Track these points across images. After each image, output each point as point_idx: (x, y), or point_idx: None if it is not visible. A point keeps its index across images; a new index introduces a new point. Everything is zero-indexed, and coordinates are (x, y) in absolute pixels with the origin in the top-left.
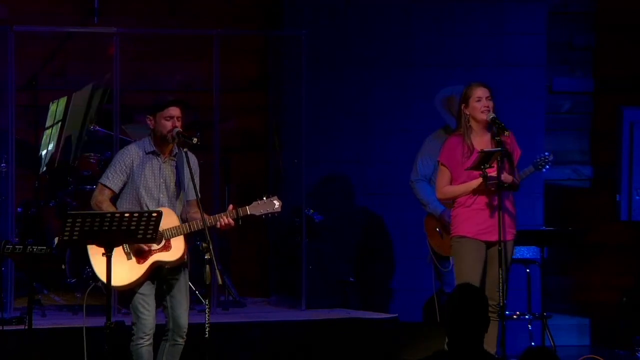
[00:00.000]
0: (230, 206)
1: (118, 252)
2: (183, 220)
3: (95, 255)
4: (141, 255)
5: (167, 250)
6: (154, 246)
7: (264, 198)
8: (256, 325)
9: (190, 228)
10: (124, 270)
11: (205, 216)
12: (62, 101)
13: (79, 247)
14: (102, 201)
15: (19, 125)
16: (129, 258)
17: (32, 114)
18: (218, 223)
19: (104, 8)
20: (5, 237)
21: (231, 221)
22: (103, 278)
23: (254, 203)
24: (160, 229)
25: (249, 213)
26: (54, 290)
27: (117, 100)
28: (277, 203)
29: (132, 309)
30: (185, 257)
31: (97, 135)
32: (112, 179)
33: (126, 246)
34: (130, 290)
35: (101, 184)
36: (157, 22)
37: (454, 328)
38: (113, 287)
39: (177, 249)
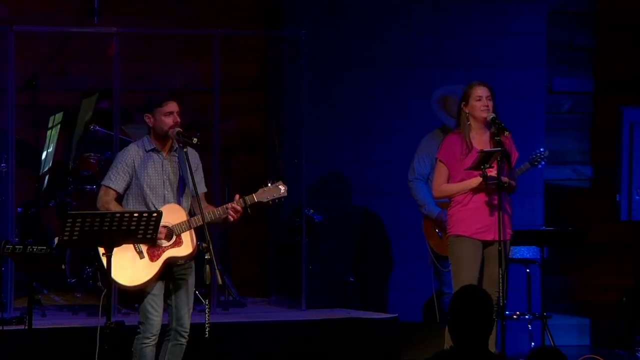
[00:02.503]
0: (237, 196)
1: (130, 252)
2: (191, 214)
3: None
4: (154, 252)
5: (178, 246)
6: (165, 243)
7: (269, 184)
8: (256, 325)
9: (198, 222)
10: (137, 269)
11: (213, 209)
12: (59, 115)
13: (79, 247)
14: (108, 201)
15: (19, 125)
16: (141, 257)
17: (32, 114)
18: (229, 215)
19: (104, 8)
20: (5, 237)
21: (239, 209)
22: (116, 278)
23: (260, 190)
24: (169, 224)
25: (256, 200)
26: (54, 290)
27: (117, 100)
28: (282, 188)
29: (141, 308)
30: (197, 251)
31: (97, 135)
32: (115, 180)
33: (138, 245)
34: (139, 290)
35: (104, 185)
36: (157, 22)
37: (458, 330)
38: (127, 287)
39: (188, 244)
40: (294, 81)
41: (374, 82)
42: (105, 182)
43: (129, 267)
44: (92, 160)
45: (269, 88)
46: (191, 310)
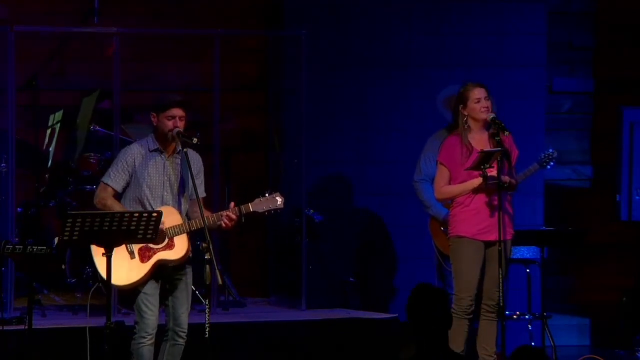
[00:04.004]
0: (232, 204)
1: (121, 252)
2: (188, 218)
3: (99, 256)
4: (145, 253)
5: (170, 249)
6: (157, 245)
7: (266, 194)
8: (256, 325)
9: (193, 226)
10: (127, 269)
11: (208, 214)
12: (59, 114)
13: (79, 247)
14: (105, 197)
15: (19, 125)
16: (132, 257)
17: (32, 114)
18: (222, 222)
19: (104, 8)
20: (5, 237)
21: (234, 217)
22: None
23: (256, 200)
24: (163, 227)
25: (251, 210)
26: (54, 290)
27: (117, 100)
28: (279, 199)
29: (135, 308)
30: (189, 255)
31: (97, 135)
32: (114, 178)
33: (129, 245)
34: (133, 290)
35: (103, 182)
36: (157, 22)
37: (417, 329)
38: (117, 286)
39: (180, 248)
40: (294, 81)
41: (374, 82)
42: (105, 179)
43: (120, 267)
44: (92, 160)
45: (269, 88)
46: (189, 310)
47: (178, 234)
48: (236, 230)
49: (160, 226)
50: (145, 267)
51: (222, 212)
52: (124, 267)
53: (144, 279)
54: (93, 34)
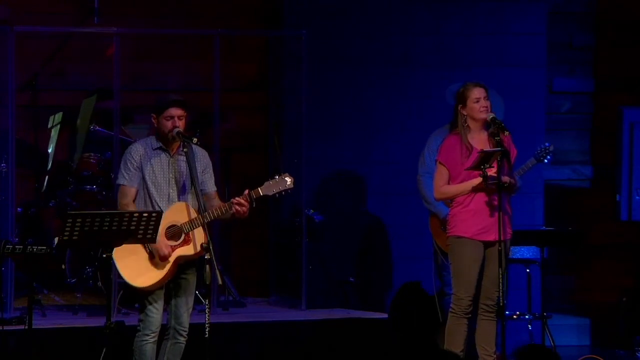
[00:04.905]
0: (246, 191)
1: (140, 253)
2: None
3: (120, 260)
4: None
5: (187, 244)
6: (174, 242)
7: (276, 177)
8: (256, 325)
9: (206, 218)
10: (148, 270)
11: (220, 204)
12: (59, 115)
13: (79, 247)
14: (127, 204)
15: (19, 125)
16: (152, 257)
17: (32, 114)
18: (234, 209)
19: (104, 8)
20: (5, 237)
21: (245, 203)
22: (130, 280)
23: (266, 183)
24: (177, 223)
25: (261, 194)
26: (54, 290)
27: (117, 100)
28: (288, 180)
29: (141, 305)
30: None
31: (97, 135)
32: (129, 177)
33: (148, 245)
34: (148, 290)
35: (121, 185)
36: (157, 22)
37: (401, 328)
38: (141, 288)
39: (197, 242)
40: (294, 81)
41: (374, 82)
42: (120, 181)
43: (141, 268)
44: (92, 160)
45: (269, 88)
46: (190, 310)
47: (193, 229)
48: (242, 221)
49: (175, 223)
50: (166, 266)
51: (232, 200)
52: (145, 268)
53: (166, 278)
54: (93, 34)
